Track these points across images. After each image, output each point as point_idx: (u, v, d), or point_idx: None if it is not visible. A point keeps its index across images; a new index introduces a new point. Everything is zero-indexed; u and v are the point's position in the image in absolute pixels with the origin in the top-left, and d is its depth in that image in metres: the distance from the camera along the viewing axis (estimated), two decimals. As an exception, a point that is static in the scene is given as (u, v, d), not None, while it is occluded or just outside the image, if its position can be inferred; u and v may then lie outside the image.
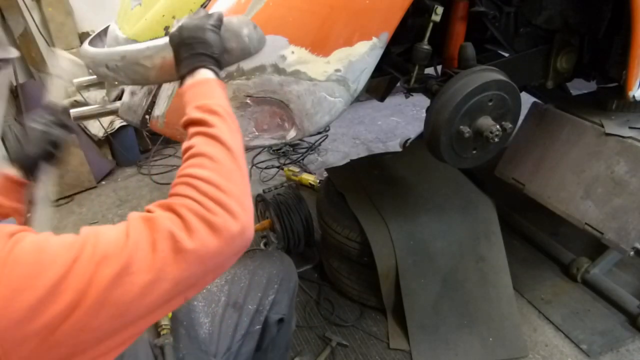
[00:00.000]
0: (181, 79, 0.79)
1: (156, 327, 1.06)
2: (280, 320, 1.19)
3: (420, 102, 3.63)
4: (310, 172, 2.89)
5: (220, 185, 0.62)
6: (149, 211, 0.62)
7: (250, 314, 1.13)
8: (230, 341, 1.11)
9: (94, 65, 1.17)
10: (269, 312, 1.16)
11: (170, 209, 0.59)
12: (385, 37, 1.07)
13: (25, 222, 1.00)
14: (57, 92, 1.10)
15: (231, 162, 0.66)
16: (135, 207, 2.73)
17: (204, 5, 1.11)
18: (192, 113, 0.72)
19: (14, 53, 0.61)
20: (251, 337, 1.14)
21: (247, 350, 1.13)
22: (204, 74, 0.77)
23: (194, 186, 0.61)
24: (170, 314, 1.09)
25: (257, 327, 1.14)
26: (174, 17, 1.15)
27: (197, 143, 0.67)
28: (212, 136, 0.68)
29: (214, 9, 1.07)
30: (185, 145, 0.69)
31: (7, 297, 0.52)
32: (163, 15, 1.17)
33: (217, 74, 0.79)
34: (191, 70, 0.78)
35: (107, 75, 1.14)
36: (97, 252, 0.55)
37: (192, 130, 0.71)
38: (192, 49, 0.79)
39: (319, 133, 3.23)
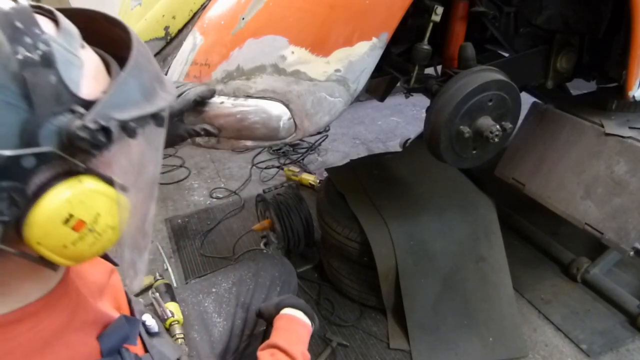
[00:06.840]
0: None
1: (170, 337, 1.05)
2: None
3: (420, 102, 3.63)
4: (310, 172, 2.89)
5: None
6: None
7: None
8: (238, 341, 1.13)
9: None
10: None
11: None
12: (385, 37, 1.07)
13: None
14: None
15: None
16: (135, 207, 2.73)
17: (203, 6, 1.11)
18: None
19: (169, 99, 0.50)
20: (255, 339, 1.15)
21: (251, 351, 1.14)
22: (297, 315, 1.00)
23: None
24: (182, 320, 1.09)
25: (262, 328, 1.15)
26: (174, 17, 1.15)
27: None
28: None
29: (213, 9, 1.07)
30: None
31: None
32: (163, 15, 1.17)
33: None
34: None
35: None
36: None
37: None
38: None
39: (319, 133, 3.23)
